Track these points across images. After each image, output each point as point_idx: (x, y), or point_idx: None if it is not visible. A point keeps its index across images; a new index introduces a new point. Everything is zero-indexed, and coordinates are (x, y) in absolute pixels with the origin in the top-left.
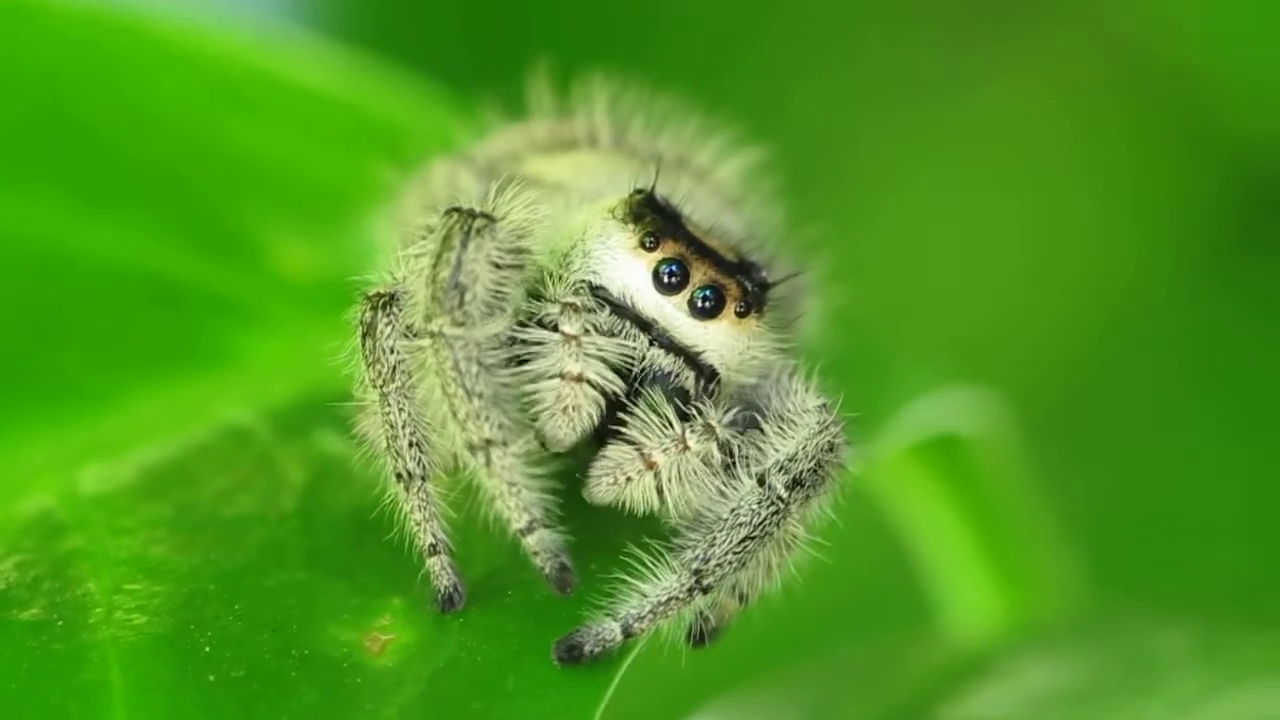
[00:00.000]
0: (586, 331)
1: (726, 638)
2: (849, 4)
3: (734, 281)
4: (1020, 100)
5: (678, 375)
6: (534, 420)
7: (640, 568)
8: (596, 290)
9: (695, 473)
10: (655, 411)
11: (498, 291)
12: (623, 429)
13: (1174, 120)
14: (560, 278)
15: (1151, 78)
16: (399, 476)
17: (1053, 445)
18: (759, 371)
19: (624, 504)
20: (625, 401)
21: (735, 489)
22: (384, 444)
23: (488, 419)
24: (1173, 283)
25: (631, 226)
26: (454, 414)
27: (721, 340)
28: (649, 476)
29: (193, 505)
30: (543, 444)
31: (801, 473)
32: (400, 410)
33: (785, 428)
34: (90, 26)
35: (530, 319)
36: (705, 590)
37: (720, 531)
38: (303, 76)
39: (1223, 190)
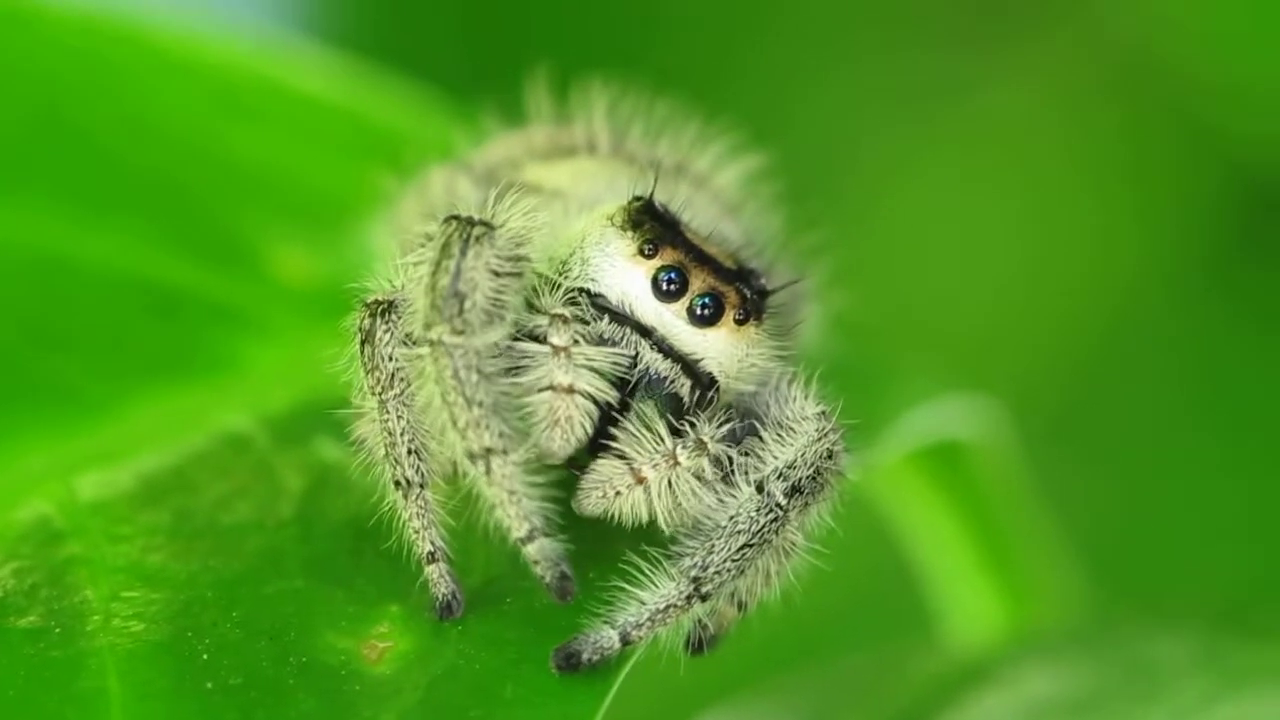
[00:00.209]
0: (575, 342)
1: (725, 645)
2: (847, 9)
3: (733, 289)
4: (1019, 105)
5: (675, 382)
6: (529, 432)
7: (639, 575)
8: (595, 298)
9: (686, 487)
10: (647, 426)
11: (497, 299)
12: (613, 443)
13: (1172, 124)
14: (558, 285)
15: (1150, 82)
16: (397, 484)
17: (1052, 450)
18: (758, 379)
19: (612, 517)
20: (619, 412)
21: (734, 496)
22: (382, 451)
23: (488, 427)
24: (1172, 286)
25: (630, 234)
26: (454, 422)
27: (720, 348)
28: (638, 491)
29: (191, 512)
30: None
31: (800, 480)
32: (399, 418)
33: (784, 435)
34: (88, 34)
35: (523, 331)
36: (704, 598)
37: (719, 539)
38: (301, 83)
39: (1221, 194)
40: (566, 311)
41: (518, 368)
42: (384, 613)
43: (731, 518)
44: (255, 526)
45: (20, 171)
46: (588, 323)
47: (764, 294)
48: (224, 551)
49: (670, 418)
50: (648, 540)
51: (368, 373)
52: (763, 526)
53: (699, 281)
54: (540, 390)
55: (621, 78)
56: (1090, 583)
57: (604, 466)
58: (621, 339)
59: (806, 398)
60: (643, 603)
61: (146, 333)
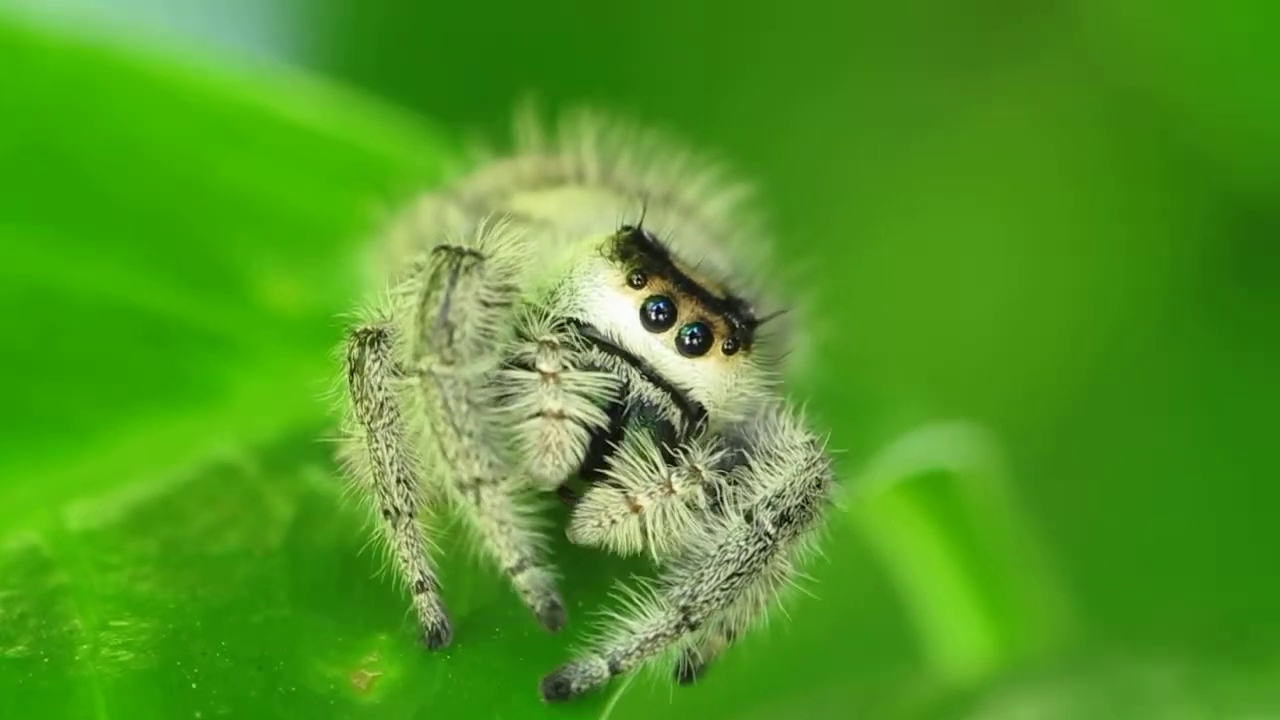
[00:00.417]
0: (564, 368)
1: (714, 674)
2: (836, 35)
3: (721, 318)
4: (1009, 133)
5: (664, 410)
6: (520, 460)
7: (628, 605)
8: (584, 327)
9: (680, 516)
10: (641, 454)
11: (486, 329)
12: (608, 471)
13: (1163, 153)
14: (546, 315)
15: (1141, 109)
16: (386, 513)
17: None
18: (746, 408)
19: (607, 547)
20: (611, 439)
21: (723, 526)
22: (371, 480)
23: (477, 457)
24: (1162, 315)
25: (619, 263)
26: (443, 452)
27: (709, 377)
28: (633, 520)
29: (180, 541)
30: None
31: (789, 509)
32: (388, 447)
33: (773, 464)
34: (78, 63)
35: (511, 359)
36: (693, 627)
37: (708, 568)
38: (290, 111)
39: (1211, 222)
40: (555, 338)
41: (507, 396)
42: (373, 642)
43: (720, 547)
44: (244, 555)
45: (10, 200)
46: (577, 350)
47: (752, 323)
48: (213, 580)
49: (665, 445)
50: (637, 569)
51: (357, 402)
52: (752, 555)
53: (687, 311)
54: (530, 417)
55: (610, 107)
56: (1081, 610)
57: (599, 495)
58: (611, 368)
59: (795, 427)
60: (632, 632)
61: (135, 361)
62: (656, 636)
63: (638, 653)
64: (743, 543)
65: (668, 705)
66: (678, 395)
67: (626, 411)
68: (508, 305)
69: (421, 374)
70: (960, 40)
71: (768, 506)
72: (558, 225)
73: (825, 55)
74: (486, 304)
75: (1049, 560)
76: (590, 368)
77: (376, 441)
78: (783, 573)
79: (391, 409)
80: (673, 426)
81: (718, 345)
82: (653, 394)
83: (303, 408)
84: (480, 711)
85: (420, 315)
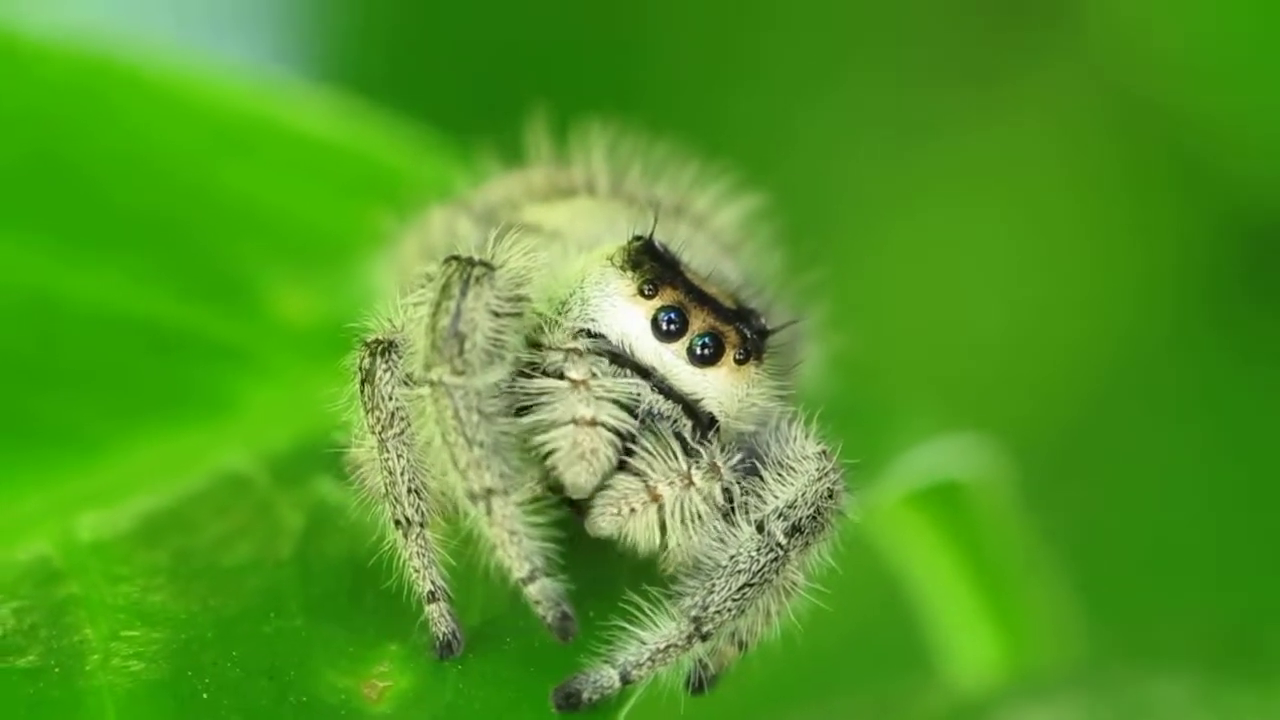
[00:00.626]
0: (594, 375)
1: (725, 685)
2: (842, 43)
3: (732, 329)
4: (1017, 143)
5: (676, 421)
6: (551, 469)
7: (639, 615)
8: (595, 338)
9: (698, 510)
10: (663, 446)
11: (497, 339)
12: (629, 459)
13: (1172, 163)
14: (558, 325)
15: (1149, 121)
16: (397, 523)
17: (1053, 489)
18: (758, 419)
19: (625, 537)
20: (634, 443)
21: (735, 536)
22: (382, 490)
23: (488, 468)
24: (1171, 327)
25: (630, 274)
26: (454, 463)
27: (720, 388)
28: (653, 509)
29: (191, 552)
30: (551, 489)
31: (801, 520)
32: (399, 457)
33: (784, 475)
34: (85, 72)
35: (532, 368)
36: (704, 637)
37: (719, 578)
38: (300, 122)
39: (1221, 234)
40: (580, 345)
41: (529, 406)
42: (384, 652)
43: (732, 557)
44: (255, 566)
45: (17, 210)
46: (596, 356)
47: (764, 334)
48: (224, 591)
49: (686, 438)
50: (648, 579)
51: (368, 412)
52: (763, 566)
53: (699, 321)
54: (561, 425)
55: (617, 115)
56: (1091, 621)
57: (619, 483)
58: (625, 376)
59: (807, 437)
60: (643, 642)
61: (145, 372)
62: (668, 647)
63: (649, 663)
64: (754, 553)
65: (679, 716)
66: (689, 406)
67: (642, 417)
68: (519, 315)
69: (432, 384)
70: (967, 48)
71: (779, 517)
72: (568, 236)
73: (830, 62)
74: (497, 314)
75: (1058, 571)
76: (614, 374)
77: (387, 451)
78: (794, 583)
79: (402, 419)
80: (684, 438)
81: (729, 355)
82: (663, 405)
83: (313, 418)
84: None
85: (431, 325)
